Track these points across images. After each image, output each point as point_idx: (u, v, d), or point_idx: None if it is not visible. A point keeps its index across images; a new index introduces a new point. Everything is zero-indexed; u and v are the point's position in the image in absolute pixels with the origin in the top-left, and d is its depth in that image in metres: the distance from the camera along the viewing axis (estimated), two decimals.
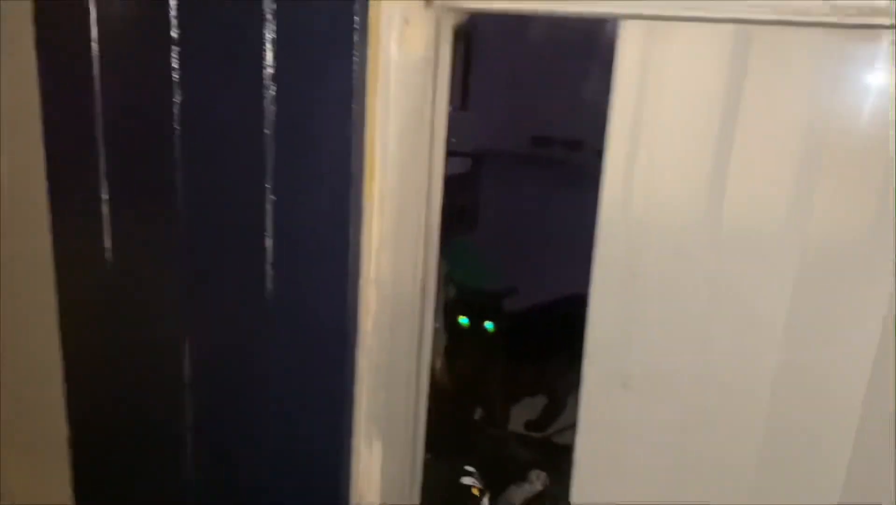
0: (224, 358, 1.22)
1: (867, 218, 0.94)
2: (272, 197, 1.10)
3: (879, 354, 0.90)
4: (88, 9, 1.16)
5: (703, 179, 1.03)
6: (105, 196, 1.23)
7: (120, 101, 1.19)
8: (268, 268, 1.13)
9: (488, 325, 1.89)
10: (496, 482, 1.07)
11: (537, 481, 1.05)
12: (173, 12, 1.10)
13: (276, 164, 1.09)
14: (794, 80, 0.95)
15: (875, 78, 0.91)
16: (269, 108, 1.07)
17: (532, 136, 2.98)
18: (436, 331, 1.86)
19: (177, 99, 1.12)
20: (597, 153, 1.06)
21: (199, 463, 1.27)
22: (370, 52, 1.02)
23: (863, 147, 0.93)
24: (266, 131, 1.08)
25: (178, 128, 1.14)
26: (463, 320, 1.94)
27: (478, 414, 1.88)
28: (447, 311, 2.00)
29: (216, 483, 1.28)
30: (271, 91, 1.06)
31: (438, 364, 1.88)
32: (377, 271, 1.11)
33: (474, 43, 2.49)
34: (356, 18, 0.99)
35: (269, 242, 1.12)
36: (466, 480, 1.17)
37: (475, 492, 1.15)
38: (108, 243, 1.26)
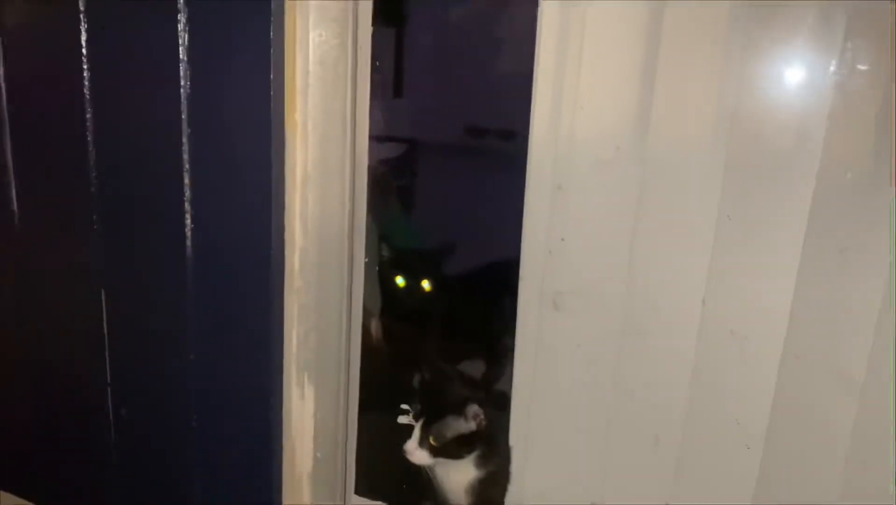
0: (144, 305, 1.15)
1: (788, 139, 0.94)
2: (188, 130, 1.04)
3: (805, 255, 0.90)
4: None
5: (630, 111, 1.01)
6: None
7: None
8: (186, 206, 1.07)
9: (425, 283, 1.85)
10: (433, 413, 1.05)
11: (472, 421, 1.02)
12: None
13: (192, 97, 1.03)
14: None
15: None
16: (183, 39, 1.01)
17: (465, 126, 2.95)
18: (370, 291, 1.82)
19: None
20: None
21: (120, 418, 1.21)
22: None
23: None
24: (182, 57, 1.02)
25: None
26: (399, 280, 1.89)
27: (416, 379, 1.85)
28: (382, 272, 1.96)
29: (140, 438, 1.21)
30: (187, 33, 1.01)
31: (374, 325, 1.83)
32: (303, 205, 1.06)
33: (407, 33, 2.46)
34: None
35: (186, 179, 1.06)
36: (403, 419, 1.14)
37: (409, 420, 1.10)
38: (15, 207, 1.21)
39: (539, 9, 0.98)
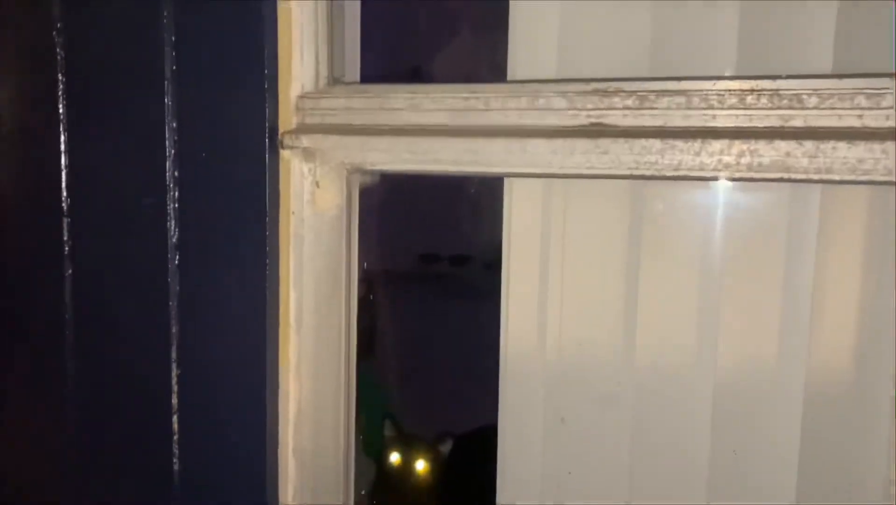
0: None
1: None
2: (177, 371, 1.04)
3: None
4: None
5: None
6: None
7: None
8: (174, 448, 1.04)
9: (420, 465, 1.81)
10: None
11: None
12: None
13: (182, 332, 1.03)
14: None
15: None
16: (174, 279, 1.03)
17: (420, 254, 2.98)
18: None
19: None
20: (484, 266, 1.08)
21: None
22: (282, 217, 1.00)
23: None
24: (171, 303, 1.03)
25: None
26: (394, 456, 1.85)
27: None
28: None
29: None
30: (176, 261, 1.02)
31: None
32: (296, 441, 1.05)
33: None
34: (267, 184, 0.98)
35: (174, 420, 1.04)
36: None
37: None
38: None
39: None
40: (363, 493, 1.66)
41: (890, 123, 0.82)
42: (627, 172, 0.90)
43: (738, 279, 1.01)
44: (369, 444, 1.83)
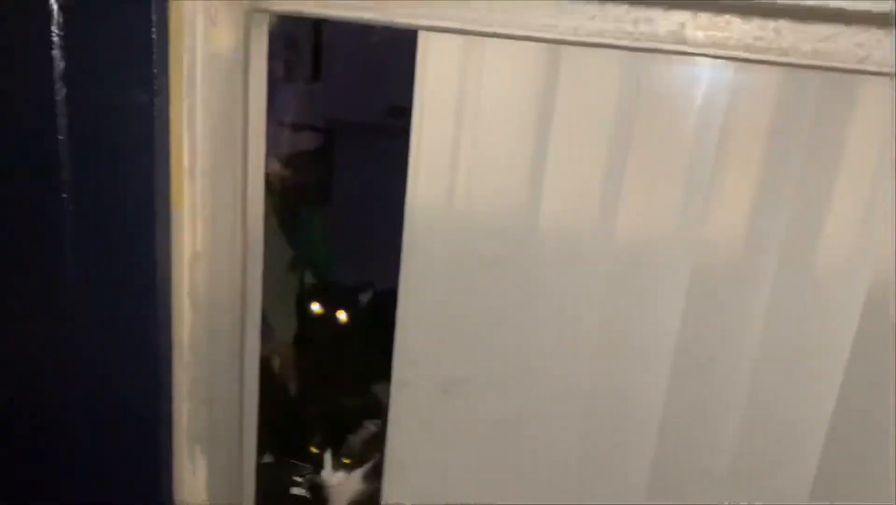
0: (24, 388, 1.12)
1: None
2: (71, 208, 1.01)
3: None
4: None
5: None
6: None
7: None
8: (66, 289, 1.04)
9: (341, 315, 1.86)
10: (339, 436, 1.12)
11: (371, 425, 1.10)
12: None
13: (74, 176, 1.00)
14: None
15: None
16: (62, 113, 0.98)
17: (388, 106, 2.90)
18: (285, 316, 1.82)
19: None
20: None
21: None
22: (172, 55, 0.95)
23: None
24: (60, 137, 0.99)
25: None
26: (315, 307, 1.89)
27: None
28: (300, 295, 1.95)
29: None
30: (62, 94, 0.97)
31: (287, 350, 1.83)
32: (191, 284, 1.05)
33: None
34: (153, 12, 0.92)
35: (69, 262, 1.03)
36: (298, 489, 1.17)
37: (314, 450, 1.17)
38: None
39: None
40: (279, 340, 1.71)
41: None
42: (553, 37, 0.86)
43: (646, 150, 1.01)
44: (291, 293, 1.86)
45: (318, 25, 2.53)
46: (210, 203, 1.03)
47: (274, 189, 1.92)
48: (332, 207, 2.72)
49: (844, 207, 0.98)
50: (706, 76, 0.96)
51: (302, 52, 2.66)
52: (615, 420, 1.09)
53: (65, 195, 1.01)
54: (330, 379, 1.67)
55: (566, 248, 1.06)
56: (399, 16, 0.92)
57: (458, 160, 1.07)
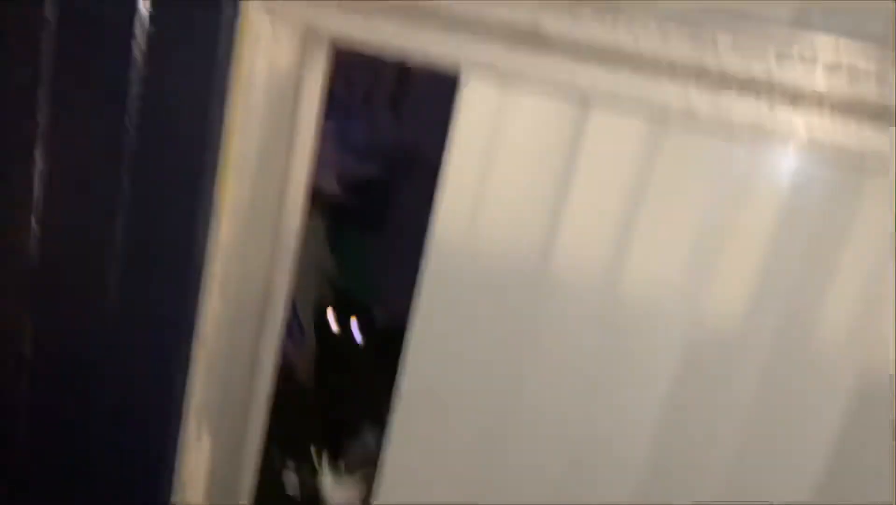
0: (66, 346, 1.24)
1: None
2: (126, 189, 1.13)
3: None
4: None
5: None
6: None
7: None
8: (114, 265, 1.16)
9: (357, 336, 1.93)
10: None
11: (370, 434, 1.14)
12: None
13: (136, 161, 1.12)
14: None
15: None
16: (134, 105, 1.10)
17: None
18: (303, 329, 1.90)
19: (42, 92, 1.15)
20: None
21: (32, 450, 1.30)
22: (235, 63, 1.06)
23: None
24: (128, 125, 1.11)
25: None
26: (336, 319, 1.97)
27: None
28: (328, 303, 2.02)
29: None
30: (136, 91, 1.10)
31: (305, 362, 1.91)
32: (223, 272, 1.15)
33: None
34: (222, 25, 1.04)
35: (119, 237, 1.15)
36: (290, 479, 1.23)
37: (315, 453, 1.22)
38: None
39: None
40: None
41: None
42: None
43: (659, 212, 1.05)
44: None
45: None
46: (248, 206, 1.13)
47: (325, 205, 2.02)
48: (384, 235, 2.81)
49: (844, 290, 1.00)
50: (725, 149, 0.99)
51: (383, 83, 2.76)
52: (596, 470, 1.11)
53: (124, 183, 1.14)
54: (338, 386, 1.74)
55: (571, 295, 1.10)
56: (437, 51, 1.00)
57: (482, 198, 1.13)
